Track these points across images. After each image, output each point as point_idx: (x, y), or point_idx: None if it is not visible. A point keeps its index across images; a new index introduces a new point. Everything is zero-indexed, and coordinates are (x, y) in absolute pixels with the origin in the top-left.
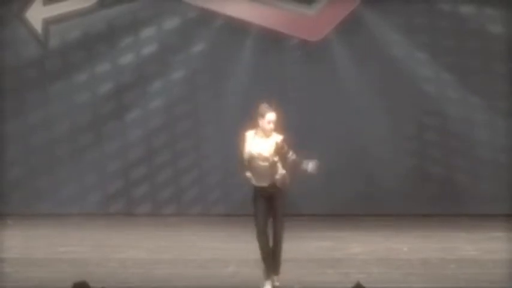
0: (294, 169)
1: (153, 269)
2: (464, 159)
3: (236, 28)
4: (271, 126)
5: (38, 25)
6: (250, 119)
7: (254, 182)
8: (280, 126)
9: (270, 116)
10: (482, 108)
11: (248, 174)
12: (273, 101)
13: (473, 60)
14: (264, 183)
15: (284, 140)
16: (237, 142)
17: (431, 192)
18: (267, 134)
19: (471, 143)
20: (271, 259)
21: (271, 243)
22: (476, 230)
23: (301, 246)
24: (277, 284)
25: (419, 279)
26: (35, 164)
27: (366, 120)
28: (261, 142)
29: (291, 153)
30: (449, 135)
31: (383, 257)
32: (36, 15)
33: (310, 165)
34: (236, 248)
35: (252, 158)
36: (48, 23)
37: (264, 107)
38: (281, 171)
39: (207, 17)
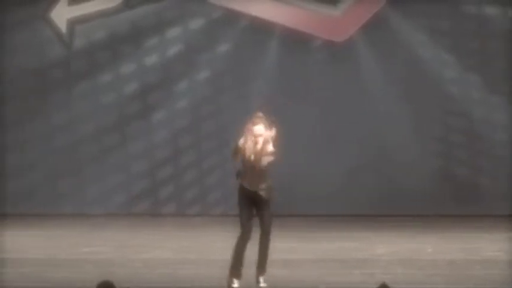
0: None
1: (177, 269)
2: (488, 160)
3: (261, 28)
4: (258, 139)
5: (62, 25)
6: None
7: (244, 183)
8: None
9: (257, 129)
10: (507, 109)
11: (241, 171)
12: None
13: (498, 62)
14: (255, 188)
15: (272, 136)
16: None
17: (456, 193)
18: (258, 143)
19: (495, 144)
20: (258, 258)
21: (256, 244)
22: (500, 230)
23: (325, 247)
24: (264, 285)
25: (444, 280)
26: (60, 165)
27: (389, 121)
28: (256, 150)
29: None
30: (474, 137)
31: (407, 258)
32: (61, 16)
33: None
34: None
35: (247, 161)
36: (73, 23)
37: (252, 120)
38: (268, 182)
39: (232, 17)
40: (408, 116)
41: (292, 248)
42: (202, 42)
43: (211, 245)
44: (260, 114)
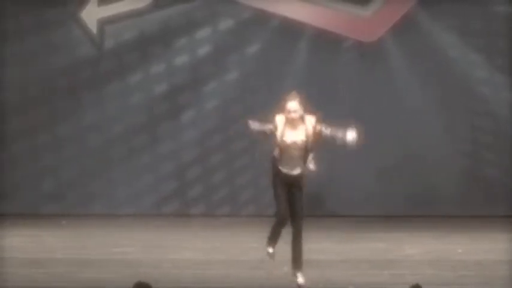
0: (331, 142)
1: (206, 270)
2: None
3: (291, 29)
4: (293, 115)
5: (92, 26)
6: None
7: (282, 167)
8: (308, 111)
9: (291, 105)
10: None
11: (277, 156)
12: (297, 92)
13: None
14: (295, 172)
15: (317, 120)
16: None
17: (485, 193)
18: (293, 123)
19: None
20: (292, 255)
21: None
22: None
23: (355, 247)
24: (301, 280)
25: (474, 281)
26: (90, 165)
27: (419, 121)
28: (292, 131)
29: (324, 127)
30: (503, 137)
31: (437, 258)
32: (91, 16)
33: (349, 136)
34: (288, 248)
35: (285, 146)
36: (103, 23)
37: (287, 96)
38: (310, 162)
39: (261, 17)
40: (438, 116)
41: (322, 248)
42: (232, 43)
43: (241, 245)
44: (294, 93)
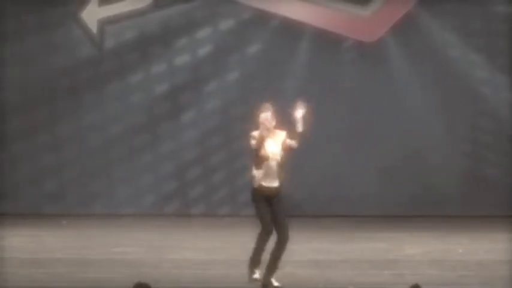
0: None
1: (207, 269)
2: None
3: (291, 29)
4: (266, 125)
5: (93, 26)
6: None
7: (263, 182)
8: (278, 121)
9: (263, 117)
10: None
11: (256, 173)
12: (269, 100)
13: None
14: (274, 184)
15: (287, 135)
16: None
17: (485, 193)
18: (270, 136)
19: None
20: (270, 261)
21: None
22: None
23: (355, 247)
24: (277, 284)
25: (474, 281)
26: (90, 165)
27: (420, 121)
28: (270, 142)
29: (288, 140)
30: (503, 137)
31: (438, 259)
32: (92, 16)
33: (297, 114)
34: (291, 249)
35: (264, 159)
36: (103, 23)
37: (262, 108)
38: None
39: (262, 17)
40: (438, 116)
41: (322, 248)
42: (232, 43)
43: (241, 245)
44: (268, 105)
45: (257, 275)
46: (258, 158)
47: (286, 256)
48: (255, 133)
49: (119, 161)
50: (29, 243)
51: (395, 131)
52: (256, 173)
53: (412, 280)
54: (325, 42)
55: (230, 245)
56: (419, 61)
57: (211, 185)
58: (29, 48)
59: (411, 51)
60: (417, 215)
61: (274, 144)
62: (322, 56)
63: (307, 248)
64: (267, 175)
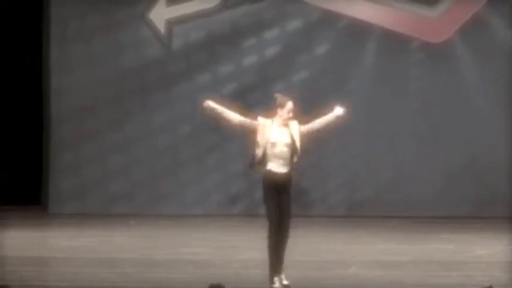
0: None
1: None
2: None
3: (359, 30)
4: (291, 115)
5: (161, 26)
6: (370, 120)
7: (271, 167)
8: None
9: (291, 105)
10: None
11: (259, 161)
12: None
13: None
14: (284, 170)
15: (300, 123)
16: (360, 142)
17: None
18: (285, 122)
19: None
20: (276, 256)
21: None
22: None
23: (424, 248)
24: (286, 282)
25: None
26: (159, 165)
27: (487, 122)
28: (280, 130)
29: (310, 125)
30: None
31: (507, 260)
32: (160, 16)
33: (336, 112)
34: (356, 249)
35: (272, 145)
36: (171, 23)
37: (282, 97)
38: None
39: (329, 18)
40: (506, 118)
41: (390, 249)
42: (300, 43)
43: (310, 246)
44: (281, 95)
45: (277, 284)
46: (260, 142)
47: (351, 256)
48: (267, 121)
49: (187, 161)
50: (98, 244)
51: (462, 132)
52: (259, 155)
53: (481, 282)
54: (393, 42)
55: (297, 246)
56: (487, 62)
57: None
58: (97, 49)
59: (479, 51)
60: (486, 216)
61: (285, 132)
62: (389, 56)
63: (373, 249)
64: (274, 161)
